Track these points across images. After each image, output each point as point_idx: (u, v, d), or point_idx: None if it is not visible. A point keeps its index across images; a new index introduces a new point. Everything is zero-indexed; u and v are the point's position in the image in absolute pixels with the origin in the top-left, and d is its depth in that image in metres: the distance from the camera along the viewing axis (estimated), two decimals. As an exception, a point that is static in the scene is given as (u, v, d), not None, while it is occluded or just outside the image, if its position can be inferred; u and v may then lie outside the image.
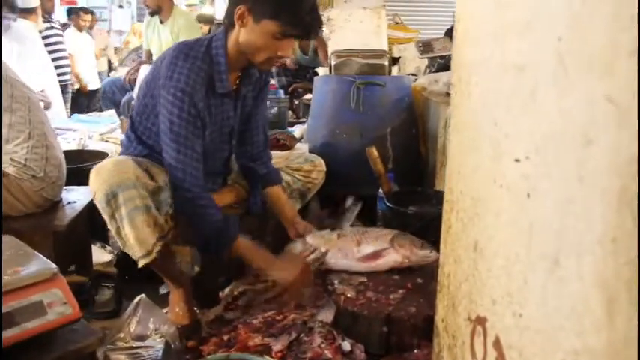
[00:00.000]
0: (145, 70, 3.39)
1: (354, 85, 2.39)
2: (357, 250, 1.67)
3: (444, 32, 7.40)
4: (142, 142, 1.71)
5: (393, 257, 1.65)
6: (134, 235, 1.48)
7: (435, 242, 1.90)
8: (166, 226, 1.55)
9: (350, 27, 2.58)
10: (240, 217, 1.79)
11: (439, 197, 2.11)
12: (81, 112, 5.22)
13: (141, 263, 1.51)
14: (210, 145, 1.69)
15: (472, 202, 0.99)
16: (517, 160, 0.78)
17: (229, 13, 1.58)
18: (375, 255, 1.65)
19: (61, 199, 1.86)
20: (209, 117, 1.64)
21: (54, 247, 1.66)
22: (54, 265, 1.10)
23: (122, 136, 3.30)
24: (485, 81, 0.91)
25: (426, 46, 3.88)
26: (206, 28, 6.42)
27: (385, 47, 2.63)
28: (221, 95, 1.64)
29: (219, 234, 1.57)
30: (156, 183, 1.55)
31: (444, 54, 3.88)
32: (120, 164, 1.51)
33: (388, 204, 2.05)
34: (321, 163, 2.01)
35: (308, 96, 4.46)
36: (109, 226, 1.52)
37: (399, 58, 4.85)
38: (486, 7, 0.87)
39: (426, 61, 4.44)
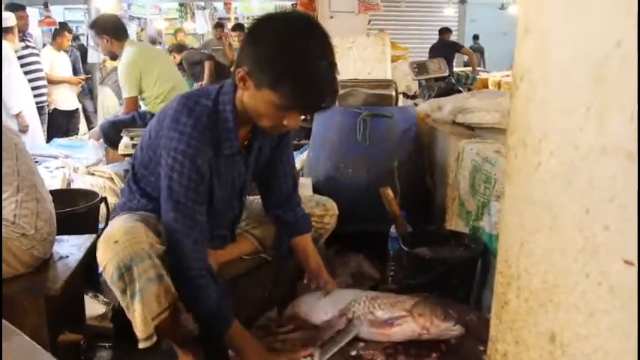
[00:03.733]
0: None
1: (361, 118, 2.28)
2: (370, 314, 1.53)
3: (429, 46, 7.41)
4: (145, 195, 1.57)
5: (410, 327, 1.48)
6: (141, 314, 1.34)
7: (460, 295, 1.81)
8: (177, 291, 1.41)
9: (353, 54, 2.46)
10: (252, 270, 1.66)
11: (457, 238, 2.00)
12: (60, 134, 5.01)
13: (141, 345, 1.38)
14: (220, 206, 1.56)
15: (545, 287, 0.87)
16: (630, 263, 0.66)
17: (233, 71, 1.41)
18: (390, 322, 1.50)
19: (52, 254, 1.69)
20: (217, 179, 1.49)
21: (47, 313, 1.49)
22: (57, 362, 0.94)
23: (108, 168, 3.20)
24: (568, 157, 0.79)
25: (420, 68, 3.81)
26: (178, 57, 6.31)
27: (390, 75, 2.53)
28: (231, 155, 1.49)
29: (214, 318, 1.44)
30: (164, 244, 1.41)
31: (440, 75, 3.82)
32: (131, 232, 1.36)
33: (404, 247, 1.93)
34: (333, 207, 1.89)
35: (299, 117, 4.33)
36: (119, 300, 1.38)
37: (390, 77, 4.79)
38: (576, 76, 0.75)
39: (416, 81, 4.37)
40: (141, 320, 1.35)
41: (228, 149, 1.46)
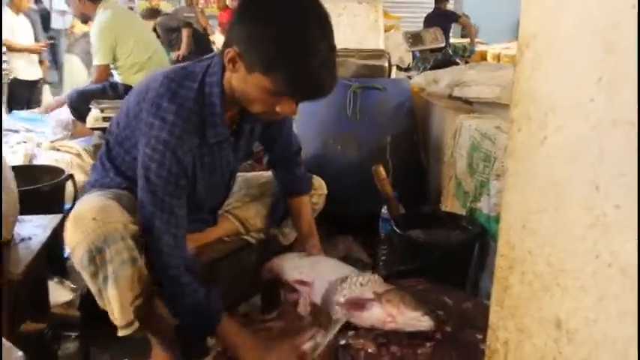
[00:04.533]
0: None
1: (351, 90, 2.27)
2: (339, 288, 1.51)
3: (424, 15, 7.37)
4: (120, 173, 1.53)
5: (376, 313, 1.47)
6: (118, 300, 1.32)
7: (456, 281, 1.82)
8: (149, 275, 1.39)
9: (344, 22, 2.44)
10: (233, 253, 1.66)
11: (453, 220, 2.01)
12: (21, 106, 4.91)
13: (120, 333, 1.36)
14: (204, 195, 1.54)
15: (550, 270, 0.87)
16: (643, 242, 0.66)
17: (222, 51, 1.34)
18: (358, 304, 1.49)
19: (13, 236, 1.66)
20: (201, 168, 1.46)
21: (7, 299, 1.47)
22: (19, 353, 0.93)
23: (76, 144, 3.15)
24: (577, 130, 0.78)
25: (415, 38, 3.80)
26: (151, 23, 6.20)
27: (382, 45, 2.51)
28: (217, 142, 1.45)
29: (200, 317, 1.40)
30: (137, 224, 1.39)
31: (436, 46, 3.80)
32: (104, 211, 1.32)
33: (397, 229, 1.93)
34: (321, 186, 1.88)
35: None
36: (89, 286, 1.35)
37: (382, 48, 4.77)
38: (586, 43, 0.74)
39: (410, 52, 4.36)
40: (119, 305, 1.32)
41: (213, 137, 1.42)
